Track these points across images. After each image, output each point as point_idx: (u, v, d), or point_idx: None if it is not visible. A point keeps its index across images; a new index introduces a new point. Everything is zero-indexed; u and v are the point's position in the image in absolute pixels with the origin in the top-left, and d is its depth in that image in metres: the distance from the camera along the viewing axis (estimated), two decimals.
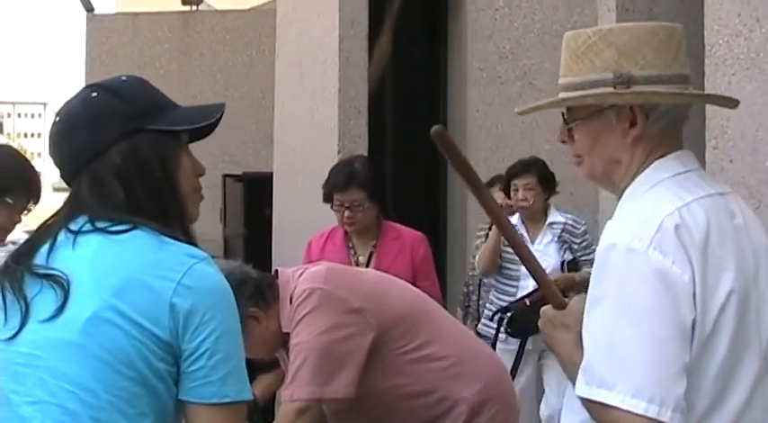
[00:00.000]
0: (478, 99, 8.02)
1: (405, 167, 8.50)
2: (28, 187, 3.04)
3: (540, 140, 7.29)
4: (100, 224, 1.84)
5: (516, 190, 5.79)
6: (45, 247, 1.86)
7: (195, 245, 1.88)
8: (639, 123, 2.05)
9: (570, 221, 5.86)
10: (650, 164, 2.06)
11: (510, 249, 4.89)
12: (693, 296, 1.89)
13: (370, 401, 3.11)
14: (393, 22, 8.25)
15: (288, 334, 3.11)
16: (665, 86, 2.04)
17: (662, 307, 1.87)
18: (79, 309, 1.76)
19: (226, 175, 11.01)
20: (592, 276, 2.00)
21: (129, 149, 1.87)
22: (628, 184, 2.09)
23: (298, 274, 3.17)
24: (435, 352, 3.17)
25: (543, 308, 2.20)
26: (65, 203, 1.93)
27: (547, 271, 4.78)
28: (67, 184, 1.93)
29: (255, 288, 3.15)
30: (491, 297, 5.87)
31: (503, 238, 4.33)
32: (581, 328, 2.00)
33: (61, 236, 1.86)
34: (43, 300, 1.80)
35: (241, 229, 10.66)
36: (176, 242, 1.83)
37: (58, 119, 1.93)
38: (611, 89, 2.04)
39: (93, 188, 1.87)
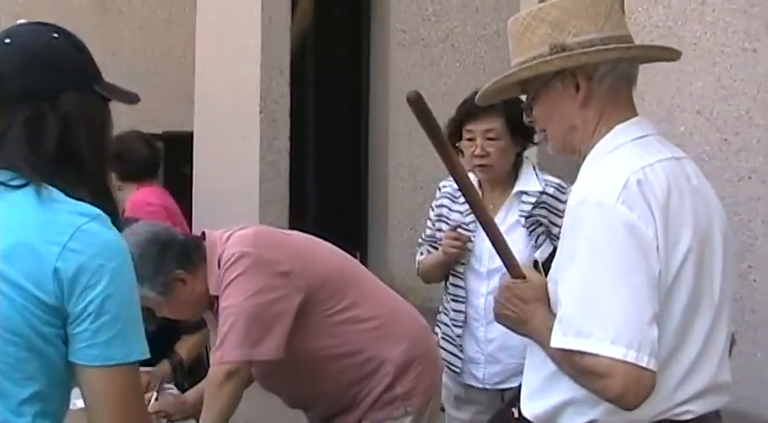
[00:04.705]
0: (401, 61, 8.05)
1: (326, 127, 8.51)
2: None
3: None
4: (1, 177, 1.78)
5: (472, 139, 3.67)
6: None
7: (112, 201, 1.86)
8: (583, 85, 2.17)
9: (552, 189, 3.68)
10: (610, 129, 2.18)
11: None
12: (657, 250, 2.00)
13: (298, 363, 3.15)
14: None
15: (215, 296, 3.13)
16: (597, 48, 2.15)
17: (633, 257, 1.98)
18: None
19: None
20: (563, 233, 2.12)
21: (80, 101, 1.85)
22: (589, 149, 2.19)
23: (226, 236, 3.19)
24: (362, 313, 3.22)
25: (504, 282, 2.25)
26: None
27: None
28: None
29: (182, 250, 3.16)
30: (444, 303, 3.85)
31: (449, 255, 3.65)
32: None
33: None
34: None
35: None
36: (68, 199, 1.78)
37: (8, 41, 1.86)
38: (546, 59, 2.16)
39: (25, 130, 1.80)
